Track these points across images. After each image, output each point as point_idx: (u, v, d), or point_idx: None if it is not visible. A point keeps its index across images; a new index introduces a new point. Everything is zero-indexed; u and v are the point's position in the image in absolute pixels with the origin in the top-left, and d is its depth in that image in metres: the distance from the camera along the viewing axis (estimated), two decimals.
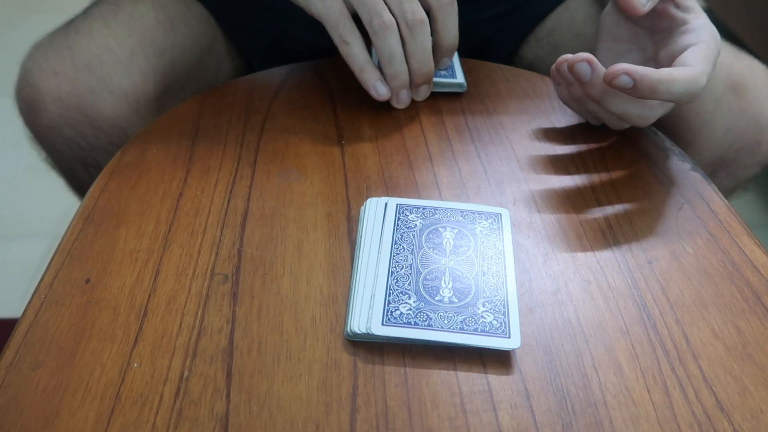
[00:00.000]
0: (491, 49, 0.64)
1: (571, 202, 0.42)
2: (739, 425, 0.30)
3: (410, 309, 0.33)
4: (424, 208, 0.39)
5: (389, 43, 0.44)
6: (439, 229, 0.38)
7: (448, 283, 0.35)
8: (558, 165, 0.45)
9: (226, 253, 0.38)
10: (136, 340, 0.33)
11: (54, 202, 1.19)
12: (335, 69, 0.56)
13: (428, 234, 0.38)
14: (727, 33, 1.27)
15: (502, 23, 0.64)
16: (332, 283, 0.36)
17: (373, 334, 0.32)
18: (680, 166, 0.45)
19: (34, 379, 0.32)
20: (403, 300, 0.34)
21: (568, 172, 0.45)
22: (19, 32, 1.75)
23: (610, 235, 0.40)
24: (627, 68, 0.39)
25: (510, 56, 0.66)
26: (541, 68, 0.63)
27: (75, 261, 0.38)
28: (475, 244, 0.37)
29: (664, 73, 0.39)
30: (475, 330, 0.33)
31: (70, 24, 0.57)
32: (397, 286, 0.35)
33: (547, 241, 0.39)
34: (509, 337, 0.32)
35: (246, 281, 0.37)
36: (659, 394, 0.31)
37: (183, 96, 0.58)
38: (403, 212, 0.39)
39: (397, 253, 0.37)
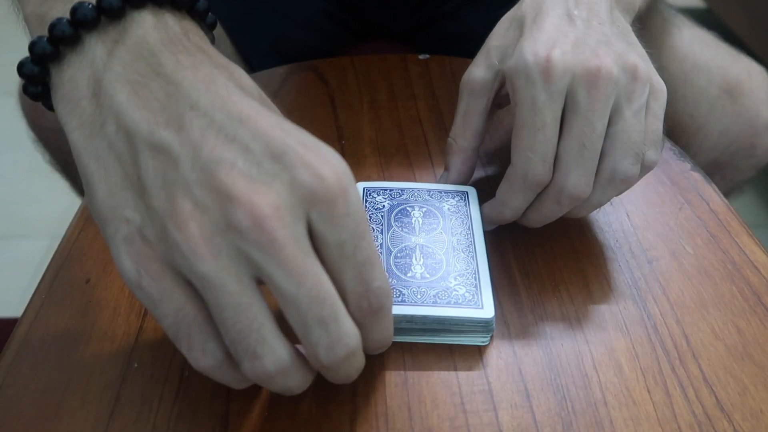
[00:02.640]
0: None
1: None
2: (739, 425, 0.30)
3: None
4: (391, 190, 0.39)
5: (278, 388, 0.26)
6: (407, 208, 0.38)
7: (419, 259, 0.35)
8: None
9: None
10: (136, 340, 0.33)
11: (54, 202, 1.19)
12: (335, 69, 0.56)
13: (397, 214, 0.38)
14: (727, 33, 1.27)
15: None
16: None
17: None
18: (680, 166, 0.45)
19: (34, 379, 0.32)
20: None
21: None
22: (20, 32, 1.75)
23: (610, 235, 0.40)
24: (486, 218, 0.38)
25: None
26: None
27: (75, 261, 0.38)
28: (444, 221, 0.37)
29: (495, 199, 0.37)
30: (448, 303, 0.33)
31: None
32: None
33: (547, 241, 0.39)
34: (482, 307, 0.32)
35: None
36: (659, 394, 0.31)
37: None
38: (370, 194, 0.39)
39: None
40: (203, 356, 0.25)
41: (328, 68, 0.56)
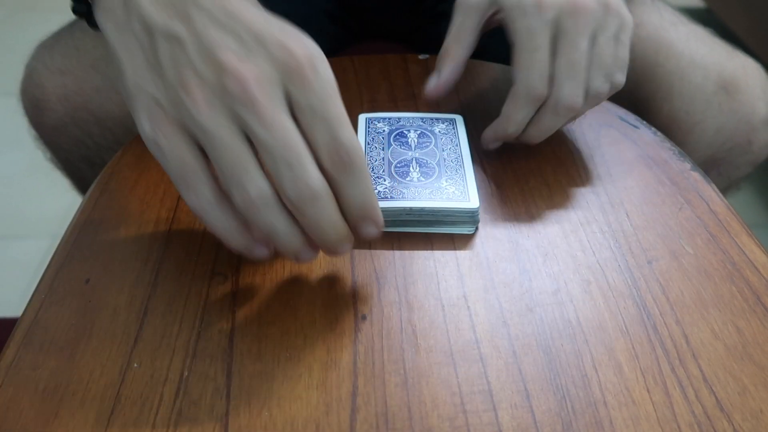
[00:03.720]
0: (486, 54, 0.64)
1: (571, 201, 0.42)
2: (739, 425, 0.30)
3: (386, 188, 0.40)
4: (389, 118, 0.46)
5: (262, 220, 0.31)
6: (404, 131, 0.45)
7: (416, 168, 0.42)
8: (558, 165, 0.45)
9: (226, 253, 0.38)
10: (136, 340, 0.33)
11: (54, 202, 1.19)
12: (335, 69, 0.55)
13: (395, 135, 0.45)
14: (727, 33, 1.27)
15: (496, 28, 0.64)
16: (332, 283, 0.36)
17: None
18: (680, 166, 0.45)
19: (34, 379, 0.32)
20: (379, 182, 0.41)
21: (567, 172, 0.45)
22: (20, 32, 1.75)
23: (610, 235, 0.40)
24: (487, 137, 0.45)
25: (505, 60, 0.66)
26: None
27: (75, 261, 0.38)
28: (435, 140, 0.44)
29: (500, 118, 0.43)
30: (441, 198, 0.39)
31: (75, 24, 0.57)
32: (373, 173, 0.41)
33: (547, 241, 0.39)
34: (469, 200, 0.39)
35: (246, 281, 0.37)
36: (659, 394, 0.31)
37: None
38: (371, 122, 0.46)
39: (370, 151, 0.43)
40: (196, 197, 0.31)
41: None
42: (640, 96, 0.57)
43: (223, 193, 0.32)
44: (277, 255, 0.38)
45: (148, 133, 0.31)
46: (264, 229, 0.32)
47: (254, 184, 0.30)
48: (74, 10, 0.37)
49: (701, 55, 0.56)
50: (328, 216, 0.31)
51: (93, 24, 0.36)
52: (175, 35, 0.31)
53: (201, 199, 0.31)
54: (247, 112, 0.30)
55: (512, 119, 0.42)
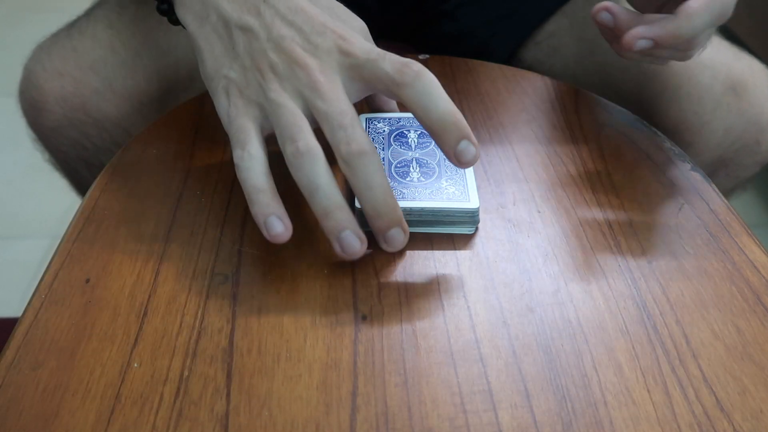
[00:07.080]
0: (488, 53, 0.64)
1: (571, 202, 0.42)
2: (739, 425, 0.30)
3: None
4: (389, 118, 0.46)
5: (306, 173, 0.35)
6: (404, 131, 0.45)
7: (416, 168, 0.42)
8: (558, 165, 0.45)
9: (226, 253, 0.38)
10: (136, 340, 0.33)
11: (54, 202, 1.19)
12: None
13: (395, 135, 0.45)
14: (727, 33, 1.27)
15: (498, 28, 0.64)
16: (332, 283, 0.36)
17: (358, 208, 0.37)
18: (680, 166, 0.45)
19: (34, 379, 0.32)
20: None
21: (568, 172, 0.45)
22: (19, 32, 1.75)
23: (610, 235, 0.40)
24: (642, 33, 0.41)
25: (508, 60, 0.66)
26: (540, 71, 0.63)
27: (75, 261, 0.38)
28: None
29: (681, 16, 0.40)
30: (441, 198, 0.39)
31: (74, 25, 0.57)
32: None
33: (547, 241, 0.39)
34: (469, 201, 0.39)
35: (246, 281, 0.37)
36: (659, 394, 0.31)
37: (186, 96, 0.58)
38: (372, 122, 0.46)
39: None
40: (242, 151, 0.36)
41: None
42: (645, 96, 0.57)
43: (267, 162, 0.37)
44: (283, 250, 0.38)
45: (223, 106, 0.38)
46: (305, 181, 0.35)
47: (304, 138, 0.35)
48: (158, 9, 0.42)
49: (709, 55, 0.56)
50: (374, 170, 0.35)
51: (174, 21, 0.42)
52: (248, 27, 0.37)
53: (245, 154, 0.36)
54: (311, 92, 0.35)
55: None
